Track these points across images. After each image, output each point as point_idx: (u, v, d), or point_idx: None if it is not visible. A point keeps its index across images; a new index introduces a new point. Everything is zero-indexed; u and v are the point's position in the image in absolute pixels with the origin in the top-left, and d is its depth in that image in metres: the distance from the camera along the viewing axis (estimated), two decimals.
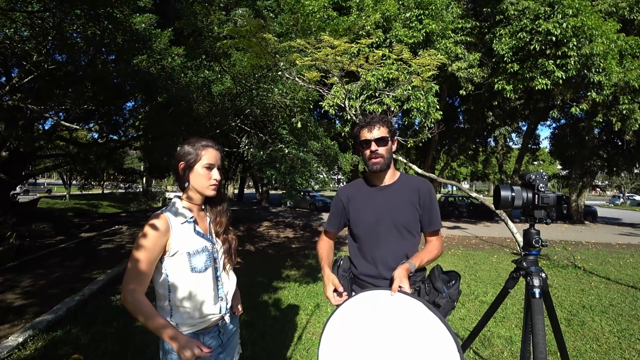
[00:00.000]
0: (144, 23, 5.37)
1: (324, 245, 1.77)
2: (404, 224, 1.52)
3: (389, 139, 1.54)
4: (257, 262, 6.30)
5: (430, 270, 1.53)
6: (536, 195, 1.50)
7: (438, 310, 1.22)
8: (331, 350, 1.25)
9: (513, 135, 21.12)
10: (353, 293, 1.51)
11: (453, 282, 1.49)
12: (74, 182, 19.59)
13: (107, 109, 8.07)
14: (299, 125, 6.06)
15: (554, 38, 8.56)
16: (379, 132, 1.51)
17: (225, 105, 5.90)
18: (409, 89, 5.29)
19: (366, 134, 1.52)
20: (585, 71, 8.87)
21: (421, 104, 7.88)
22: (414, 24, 8.94)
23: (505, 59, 9.46)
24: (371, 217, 1.55)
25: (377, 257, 1.52)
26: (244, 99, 5.94)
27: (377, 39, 8.57)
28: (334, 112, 7.20)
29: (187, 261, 1.21)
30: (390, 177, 1.59)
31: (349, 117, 5.69)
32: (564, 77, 8.85)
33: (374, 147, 1.50)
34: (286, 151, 5.81)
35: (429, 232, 1.58)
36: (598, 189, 34.95)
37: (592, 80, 8.96)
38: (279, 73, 4.55)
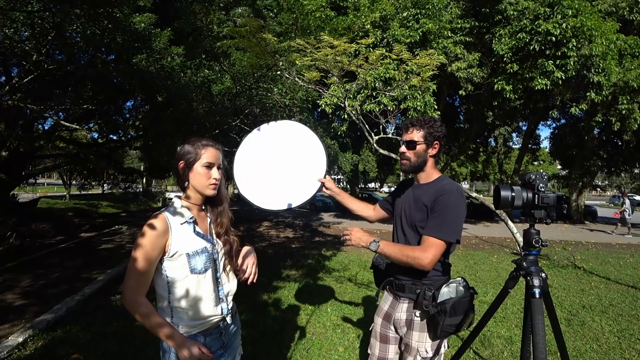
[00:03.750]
0: (144, 23, 5.37)
1: (367, 203, 1.96)
2: (416, 222, 1.55)
3: (422, 142, 1.56)
4: (257, 262, 6.29)
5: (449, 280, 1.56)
6: (536, 195, 1.50)
7: (428, 317, 1.47)
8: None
9: (513, 135, 21.14)
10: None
11: (455, 297, 1.47)
12: (73, 182, 19.56)
13: (107, 108, 8.08)
14: None
15: (553, 38, 8.56)
16: (410, 135, 1.58)
17: (225, 104, 5.90)
18: (406, 89, 5.30)
19: (403, 136, 1.62)
20: (585, 71, 8.87)
21: (418, 103, 7.89)
22: (410, 24, 8.95)
23: (504, 59, 9.46)
24: (398, 209, 1.68)
25: (399, 242, 1.64)
26: (243, 98, 5.95)
27: (374, 39, 8.57)
28: (330, 110, 7.21)
29: (186, 262, 1.20)
30: (425, 178, 1.62)
31: (346, 116, 5.70)
32: (564, 78, 8.85)
33: (402, 149, 1.60)
34: None
35: (423, 235, 1.48)
36: (598, 189, 34.93)
37: (591, 80, 8.96)
38: (279, 72, 4.55)
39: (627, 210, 12.04)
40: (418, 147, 1.57)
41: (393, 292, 1.65)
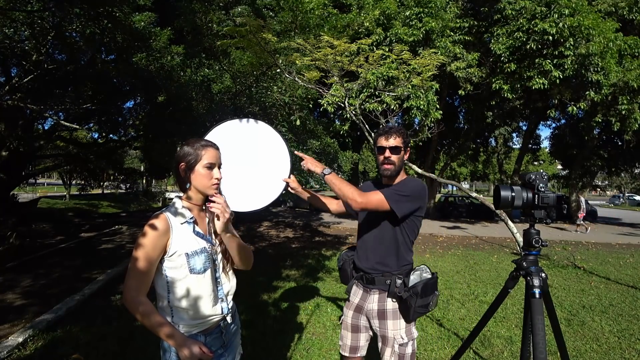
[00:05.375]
0: (144, 21, 5.36)
1: (329, 198, 2.09)
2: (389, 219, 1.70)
3: (402, 148, 1.73)
4: (257, 262, 6.27)
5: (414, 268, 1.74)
6: (536, 195, 1.50)
7: (403, 302, 1.61)
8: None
9: (513, 135, 21.15)
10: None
11: (423, 280, 1.63)
12: (74, 182, 19.56)
13: (106, 108, 8.07)
14: (298, 123, 6.06)
15: (550, 38, 8.56)
16: (394, 141, 1.72)
17: (224, 103, 5.90)
18: (409, 88, 5.31)
19: (383, 142, 1.73)
20: (583, 71, 8.87)
21: (421, 102, 7.89)
22: (413, 22, 8.95)
23: (502, 58, 9.46)
24: None
25: (368, 239, 1.76)
26: (243, 97, 5.94)
27: (377, 37, 8.58)
28: (332, 109, 7.20)
29: (185, 262, 1.20)
30: (398, 179, 1.78)
31: (348, 115, 5.69)
32: (561, 77, 8.85)
33: (387, 154, 1.72)
34: None
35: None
36: (598, 189, 34.94)
37: (590, 79, 8.95)
38: (278, 71, 4.55)
39: (582, 208, 12.79)
40: (401, 152, 1.74)
41: (363, 286, 1.77)
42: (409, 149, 1.80)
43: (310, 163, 1.71)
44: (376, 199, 1.59)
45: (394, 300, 1.65)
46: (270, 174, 1.79)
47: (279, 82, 5.87)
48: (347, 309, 1.83)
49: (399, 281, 1.63)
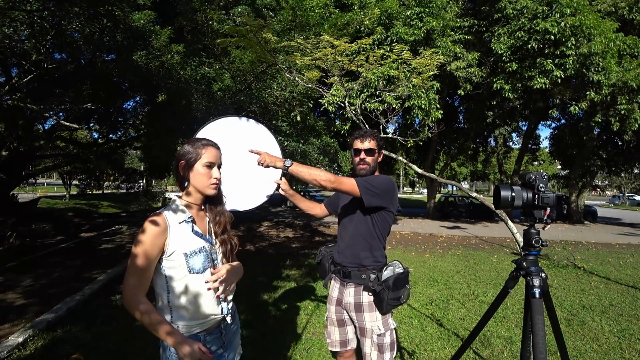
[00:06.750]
0: (143, 20, 5.36)
1: (315, 202, 2.18)
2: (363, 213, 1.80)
3: (377, 151, 1.85)
4: (257, 262, 6.29)
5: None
6: (536, 195, 1.50)
7: (377, 296, 1.68)
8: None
9: (513, 135, 21.13)
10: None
11: (395, 274, 1.70)
12: (75, 183, 19.55)
13: (107, 108, 8.06)
14: (298, 118, 6.05)
15: (552, 37, 8.56)
16: (369, 144, 1.83)
17: (225, 101, 5.89)
18: (410, 87, 5.31)
19: (358, 144, 1.85)
20: (584, 70, 8.87)
21: (422, 101, 7.89)
22: (414, 22, 8.96)
23: (503, 58, 9.46)
24: (346, 200, 1.90)
25: (344, 235, 1.85)
26: (242, 96, 5.94)
27: (378, 36, 8.58)
28: (333, 109, 7.19)
29: (184, 262, 1.20)
30: None
31: (348, 115, 5.69)
32: (563, 76, 8.85)
33: (362, 155, 1.83)
34: (286, 144, 5.81)
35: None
36: (598, 189, 34.95)
37: (590, 79, 8.95)
38: (278, 66, 4.55)
39: None
40: (375, 154, 1.85)
41: (340, 280, 1.84)
42: (382, 151, 1.90)
43: (267, 158, 1.61)
44: (349, 182, 1.67)
45: (370, 293, 1.73)
46: (261, 175, 1.76)
47: (279, 78, 5.86)
48: (329, 304, 1.89)
49: (373, 275, 1.72)
